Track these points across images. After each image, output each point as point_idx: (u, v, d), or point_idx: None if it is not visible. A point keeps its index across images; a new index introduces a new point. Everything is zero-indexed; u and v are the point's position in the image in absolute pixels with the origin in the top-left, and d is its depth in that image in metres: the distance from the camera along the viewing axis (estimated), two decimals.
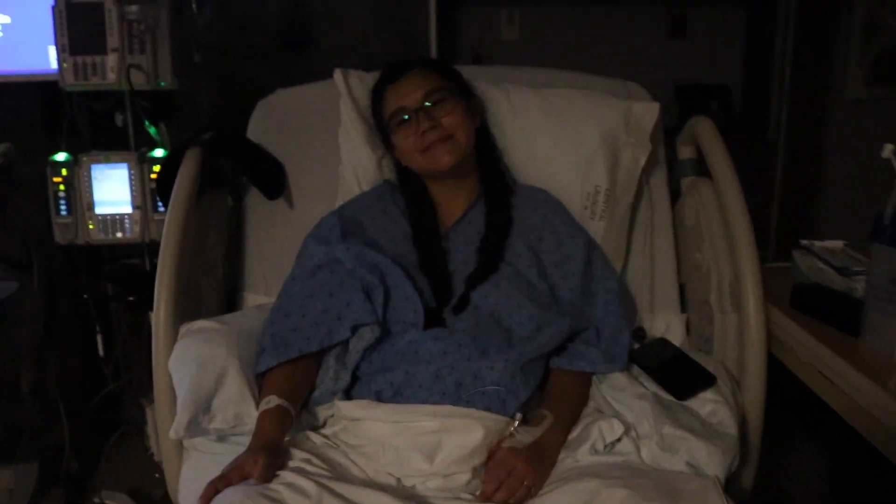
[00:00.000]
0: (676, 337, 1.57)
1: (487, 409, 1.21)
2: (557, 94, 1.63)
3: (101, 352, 2.01)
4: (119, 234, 1.88)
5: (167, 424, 1.33)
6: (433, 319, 1.31)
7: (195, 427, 1.28)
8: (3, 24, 1.95)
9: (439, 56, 2.65)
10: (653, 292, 1.61)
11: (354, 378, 1.33)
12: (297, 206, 1.66)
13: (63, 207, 1.87)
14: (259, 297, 1.62)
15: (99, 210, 1.87)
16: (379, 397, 1.26)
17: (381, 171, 1.59)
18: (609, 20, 3.29)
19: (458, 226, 1.47)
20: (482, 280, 1.37)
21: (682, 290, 1.64)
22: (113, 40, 1.77)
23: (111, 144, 1.98)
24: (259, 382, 1.31)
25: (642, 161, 1.57)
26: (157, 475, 2.16)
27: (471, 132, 1.44)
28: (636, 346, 1.43)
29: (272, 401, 1.22)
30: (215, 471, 1.16)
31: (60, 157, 1.87)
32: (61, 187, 1.87)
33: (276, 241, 1.64)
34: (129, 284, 2.00)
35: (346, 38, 2.66)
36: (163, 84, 1.81)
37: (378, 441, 1.20)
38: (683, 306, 1.63)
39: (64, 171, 1.86)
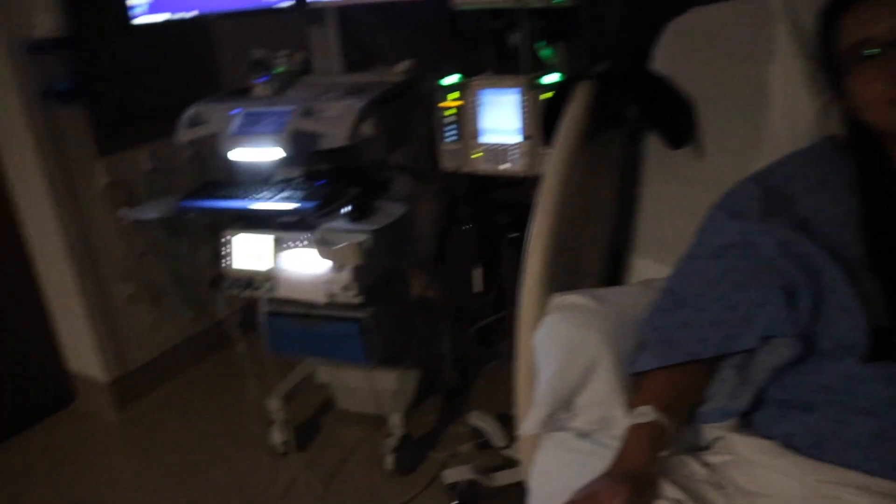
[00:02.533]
0: None
1: None
2: None
3: (479, 288, 1.92)
4: (505, 166, 1.74)
5: (525, 406, 1.17)
6: (882, 346, 0.95)
7: (552, 424, 1.10)
8: None
9: None
10: None
11: (757, 400, 1.03)
12: (707, 159, 1.34)
13: (451, 133, 1.77)
14: (648, 264, 1.36)
15: (485, 139, 1.74)
16: (790, 443, 0.94)
17: (822, 123, 1.20)
18: None
19: None
20: None
21: None
22: None
23: (507, 65, 1.82)
24: (633, 382, 1.08)
25: None
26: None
27: None
28: None
29: (647, 413, 0.99)
30: (571, 469, 1.02)
31: (451, 79, 1.76)
32: (449, 112, 1.76)
33: (676, 199, 1.36)
34: (514, 220, 1.87)
35: None
36: (558, 0, 1.58)
37: (781, 497, 0.91)
38: None
39: (454, 95, 1.75)
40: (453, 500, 1.93)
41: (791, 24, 1.23)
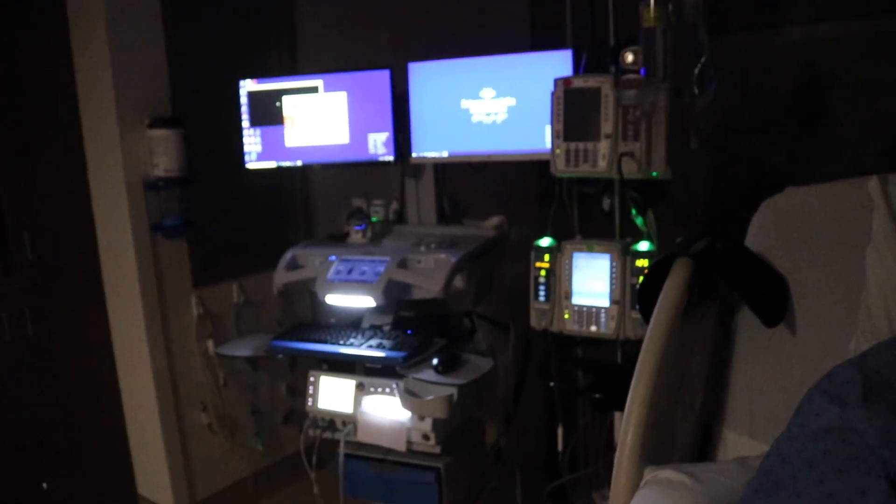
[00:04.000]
0: None
1: None
2: None
3: (559, 446, 1.91)
4: (593, 328, 1.77)
5: None
6: None
7: None
8: (510, 107, 2.00)
9: None
10: None
11: None
12: (801, 336, 1.35)
13: (542, 293, 1.82)
14: (741, 439, 1.35)
15: (576, 300, 1.78)
16: None
17: None
18: None
19: None
20: None
21: None
22: (607, 126, 1.66)
23: (597, 229, 1.89)
24: None
25: None
26: None
27: None
28: None
29: None
30: None
31: (545, 242, 1.83)
32: (542, 273, 1.82)
33: (769, 373, 1.35)
34: (597, 380, 1.88)
35: (871, 112, 2.24)
36: (655, 174, 1.65)
37: None
38: None
39: (547, 257, 1.81)
40: None
41: (888, 212, 1.25)
